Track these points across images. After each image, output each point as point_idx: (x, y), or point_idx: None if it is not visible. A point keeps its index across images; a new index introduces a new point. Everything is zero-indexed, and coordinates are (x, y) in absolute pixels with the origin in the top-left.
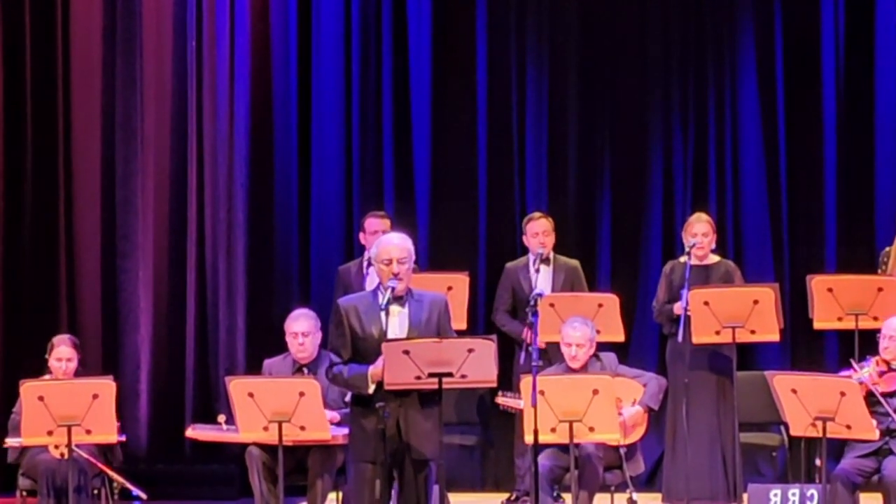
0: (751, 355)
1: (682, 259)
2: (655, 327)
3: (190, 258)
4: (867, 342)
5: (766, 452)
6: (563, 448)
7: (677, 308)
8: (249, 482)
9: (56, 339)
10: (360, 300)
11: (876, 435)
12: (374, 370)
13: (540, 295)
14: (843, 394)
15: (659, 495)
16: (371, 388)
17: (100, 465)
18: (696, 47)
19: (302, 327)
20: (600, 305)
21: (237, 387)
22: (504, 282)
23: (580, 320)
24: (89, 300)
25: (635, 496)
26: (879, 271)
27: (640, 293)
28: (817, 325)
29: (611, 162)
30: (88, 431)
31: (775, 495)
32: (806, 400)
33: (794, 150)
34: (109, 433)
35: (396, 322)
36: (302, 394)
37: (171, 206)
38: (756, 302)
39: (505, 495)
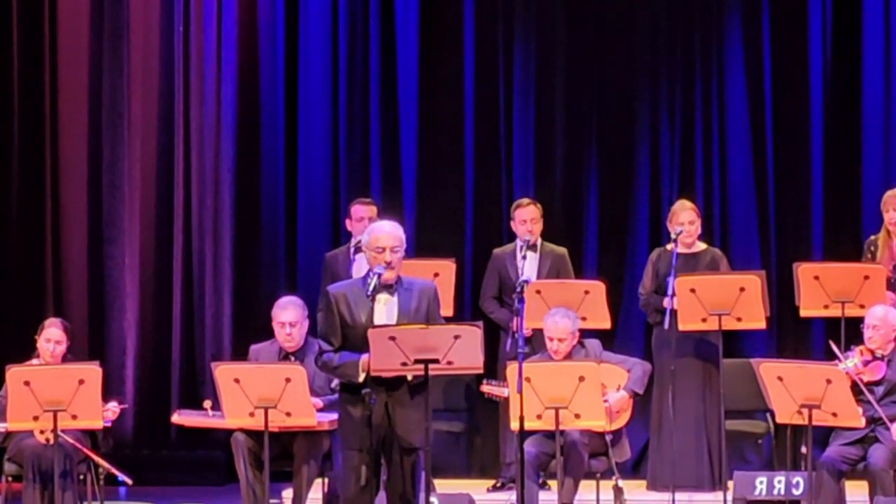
0: (737, 343)
1: (669, 247)
2: (642, 314)
3: (176, 244)
4: (853, 330)
5: (752, 440)
6: (549, 435)
7: (666, 303)
8: (235, 468)
9: (47, 321)
10: (350, 287)
11: (862, 423)
12: (365, 359)
13: (526, 282)
14: (829, 381)
15: (644, 482)
16: (362, 377)
17: (85, 450)
18: (684, 35)
19: (290, 317)
20: (587, 292)
21: (223, 372)
22: (491, 268)
23: (562, 312)
24: (75, 286)
25: (620, 483)
26: (864, 259)
27: (626, 280)
28: (803, 312)
29: (598, 149)
30: (74, 417)
31: (761, 482)
32: (792, 387)
33: (781, 138)
34: (95, 419)
35: (385, 310)
36: (288, 380)
37: (157, 192)
38: (742, 289)
39: (491, 482)
